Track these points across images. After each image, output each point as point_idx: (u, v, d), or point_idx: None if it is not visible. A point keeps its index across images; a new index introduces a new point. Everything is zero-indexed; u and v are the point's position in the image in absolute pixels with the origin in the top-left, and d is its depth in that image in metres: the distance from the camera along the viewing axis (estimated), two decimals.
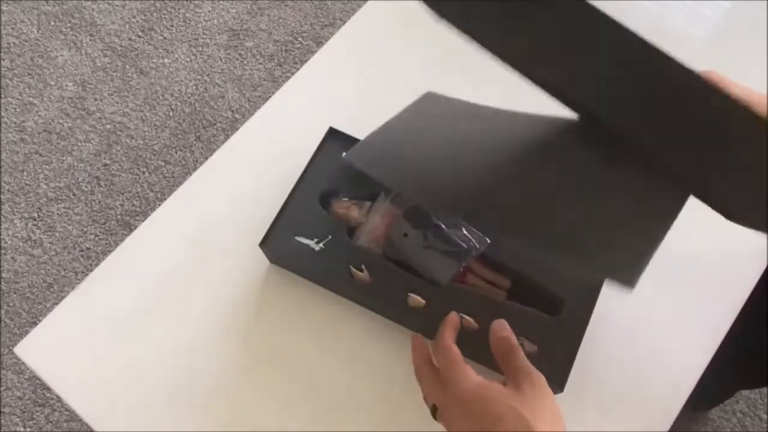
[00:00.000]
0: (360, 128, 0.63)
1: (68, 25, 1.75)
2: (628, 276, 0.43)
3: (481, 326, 0.56)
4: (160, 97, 1.65)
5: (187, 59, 1.70)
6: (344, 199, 0.63)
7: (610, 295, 0.58)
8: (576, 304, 0.58)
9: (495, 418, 0.39)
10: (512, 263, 0.60)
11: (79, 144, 1.59)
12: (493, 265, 0.60)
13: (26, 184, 1.54)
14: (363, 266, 0.59)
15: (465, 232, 0.59)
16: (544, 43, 0.35)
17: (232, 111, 1.63)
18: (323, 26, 1.75)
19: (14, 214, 1.50)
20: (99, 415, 0.58)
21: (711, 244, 0.65)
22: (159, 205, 0.68)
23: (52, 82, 1.67)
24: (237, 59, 1.70)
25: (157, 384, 0.59)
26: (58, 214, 1.51)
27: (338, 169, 0.63)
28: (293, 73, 0.76)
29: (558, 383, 0.54)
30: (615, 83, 0.34)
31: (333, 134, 0.65)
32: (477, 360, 0.56)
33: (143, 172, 1.56)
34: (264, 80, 1.68)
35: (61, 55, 1.70)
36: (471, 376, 0.42)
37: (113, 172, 1.56)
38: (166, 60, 1.70)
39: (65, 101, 1.64)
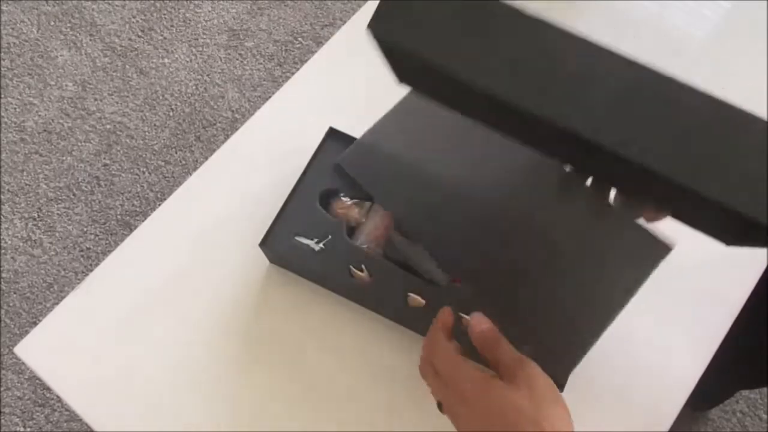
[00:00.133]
0: (360, 128, 0.63)
1: (68, 25, 1.75)
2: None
3: None
4: (160, 97, 1.65)
5: (187, 59, 1.70)
6: (344, 199, 0.63)
7: None
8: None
9: (498, 415, 0.39)
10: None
11: (79, 144, 1.59)
12: None
13: (26, 184, 1.54)
14: (363, 266, 0.59)
15: None
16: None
17: (232, 111, 1.63)
18: (323, 26, 1.75)
19: (14, 214, 1.50)
20: (99, 415, 0.58)
21: (711, 244, 0.65)
22: (159, 205, 0.68)
23: (52, 82, 1.67)
24: (237, 59, 1.70)
25: (157, 384, 0.59)
26: (58, 214, 1.51)
27: (338, 169, 0.63)
28: (293, 73, 0.76)
29: (558, 384, 0.54)
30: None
31: (333, 134, 0.65)
32: (478, 360, 0.56)
33: (143, 172, 1.56)
34: (264, 80, 1.68)
35: (61, 55, 1.70)
36: (470, 373, 0.41)
37: (113, 172, 1.56)
38: (166, 60, 1.70)
39: (65, 101, 1.64)
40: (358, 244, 0.60)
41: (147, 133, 1.60)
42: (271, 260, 0.63)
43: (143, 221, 0.67)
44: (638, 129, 0.30)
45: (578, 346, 0.49)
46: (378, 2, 0.34)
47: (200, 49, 1.72)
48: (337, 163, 0.62)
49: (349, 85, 0.75)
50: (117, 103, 1.64)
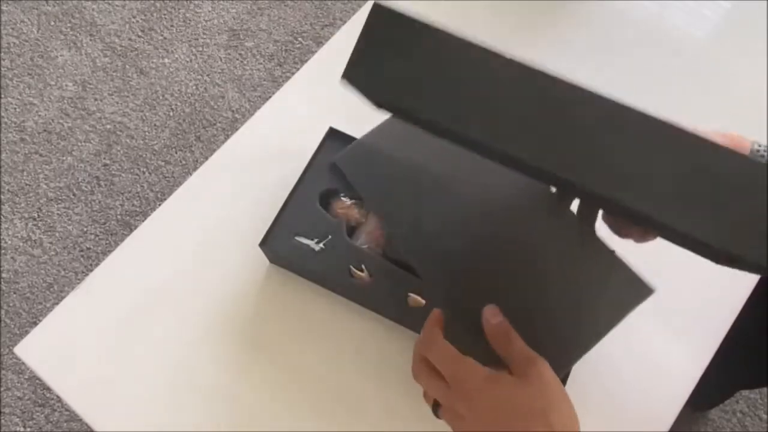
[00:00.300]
0: (360, 128, 0.63)
1: (68, 25, 1.75)
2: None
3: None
4: (160, 97, 1.65)
5: (187, 59, 1.70)
6: (344, 199, 0.63)
7: None
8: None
9: (508, 412, 0.38)
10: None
11: (79, 144, 1.59)
12: None
13: (26, 184, 1.54)
14: (363, 266, 0.59)
15: None
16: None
17: (232, 111, 1.63)
18: (323, 26, 1.75)
19: (14, 214, 1.50)
20: (99, 415, 0.58)
21: None
22: (159, 205, 0.68)
23: (52, 82, 1.67)
24: (237, 59, 1.70)
25: (157, 384, 0.59)
26: (58, 214, 1.51)
27: (335, 169, 0.63)
28: (293, 73, 0.76)
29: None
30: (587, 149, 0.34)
31: (333, 134, 0.65)
32: (476, 359, 0.56)
33: (143, 172, 1.56)
34: (264, 80, 1.68)
35: (61, 55, 1.70)
36: (477, 369, 0.40)
37: (113, 172, 1.56)
38: (166, 60, 1.70)
39: (65, 101, 1.64)
40: (358, 244, 0.60)
41: (147, 133, 1.60)
42: (271, 260, 0.63)
43: (143, 221, 0.67)
44: (620, 169, 0.31)
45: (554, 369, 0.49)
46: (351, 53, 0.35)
47: (200, 49, 1.72)
48: (334, 162, 0.63)
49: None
50: (117, 103, 1.64)
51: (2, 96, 1.64)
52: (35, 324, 0.68)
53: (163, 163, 1.57)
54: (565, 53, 0.76)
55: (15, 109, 1.63)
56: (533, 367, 0.40)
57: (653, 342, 0.61)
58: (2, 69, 1.68)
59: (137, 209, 1.52)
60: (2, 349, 1.36)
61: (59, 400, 1.32)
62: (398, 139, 0.58)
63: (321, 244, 0.60)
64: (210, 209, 0.67)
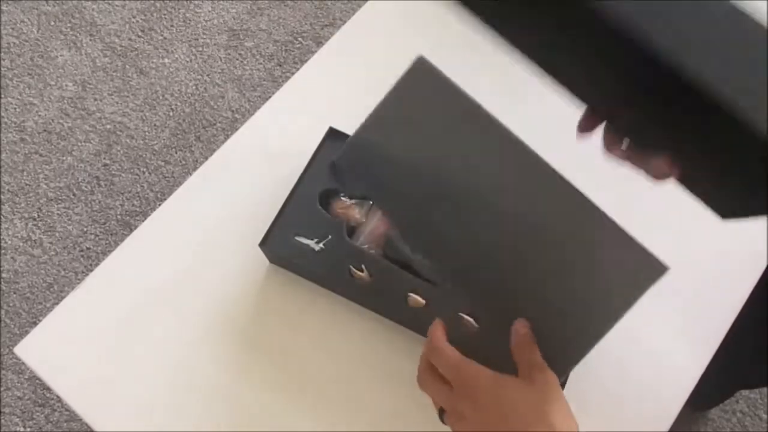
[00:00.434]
0: None
1: (68, 25, 1.75)
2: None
3: (480, 327, 0.56)
4: (160, 97, 1.65)
5: (187, 59, 1.70)
6: (344, 199, 0.63)
7: None
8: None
9: (512, 409, 0.39)
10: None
11: (79, 144, 1.59)
12: None
13: (26, 184, 1.54)
14: (363, 266, 0.59)
15: None
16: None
17: (232, 111, 1.63)
18: (323, 26, 1.75)
19: (14, 214, 1.50)
20: (99, 415, 0.58)
21: (711, 244, 0.65)
22: (159, 205, 0.68)
23: (52, 82, 1.67)
24: (237, 59, 1.70)
25: (157, 384, 0.59)
26: (58, 214, 1.51)
27: (335, 169, 0.63)
28: (293, 73, 0.76)
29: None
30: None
31: (333, 134, 0.65)
32: (477, 361, 0.56)
33: (143, 172, 1.56)
34: (264, 80, 1.68)
35: (61, 55, 1.70)
36: (481, 370, 0.42)
37: (113, 172, 1.56)
38: (166, 60, 1.70)
39: (65, 101, 1.64)
40: (358, 244, 0.60)
41: (147, 133, 1.60)
42: (271, 260, 0.63)
43: (143, 221, 0.67)
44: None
45: (569, 357, 0.49)
46: None
47: (200, 49, 1.72)
48: (333, 162, 0.62)
49: (349, 86, 0.75)
50: (117, 103, 1.64)
51: (2, 96, 1.64)
52: (35, 324, 0.68)
53: (163, 163, 1.57)
54: None
55: (15, 109, 1.63)
56: (540, 373, 0.42)
57: (653, 342, 0.61)
58: (2, 69, 1.68)
59: (137, 209, 1.52)
60: (2, 349, 1.36)
61: (59, 400, 1.32)
62: (392, 129, 0.57)
63: (321, 244, 0.60)
64: (210, 209, 0.67)
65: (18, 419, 1.31)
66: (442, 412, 0.44)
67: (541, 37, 0.37)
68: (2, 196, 1.52)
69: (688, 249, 0.65)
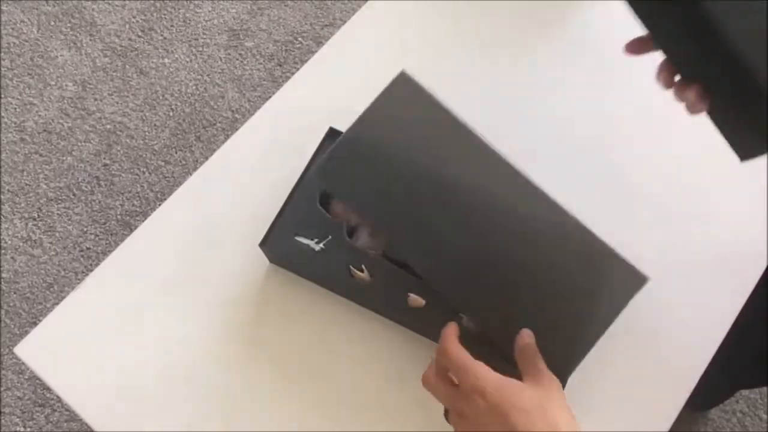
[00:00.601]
0: None
1: (68, 25, 1.75)
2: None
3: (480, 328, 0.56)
4: (160, 97, 1.65)
5: (187, 59, 1.70)
6: None
7: None
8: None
9: (517, 408, 0.40)
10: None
11: (79, 144, 1.59)
12: None
13: (26, 184, 1.54)
14: (363, 266, 0.59)
15: None
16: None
17: (232, 111, 1.63)
18: (323, 26, 1.75)
19: (14, 214, 1.50)
20: (99, 415, 0.58)
21: (711, 244, 0.65)
22: (159, 205, 0.68)
23: (52, 82, 1.67)
24: (237, 59, 1.70)
25: (157, 384, 0.59)
26: (58, 214, 1.51)
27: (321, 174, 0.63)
28: (293, 73, 0.76)
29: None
30: None
31: (333, 134, 0.65)
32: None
33: (143, 172, 1.56)
34: (264, 80, 1.68)
35: (61, 55, 1.70)
36: (489, 372, 0.43)
37: (113, 172, 1.56)
38: (166, 60, 1.70)
39: (65, 101, 1.64)
40: (358, 244, 0.60)
41: (147, 133, 1.60)
42: (271, 260, 0.63)
43: (143, 221, 0.67)
44: None
45: (561, 368, 0.49)
46: None
47: (200, 49, 1.72)
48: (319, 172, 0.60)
49: (349, 86, 0.75)
50: (117, 103, 1.64)
51: (2, 96, 1.64)
52: (35, 324, 0.68)
53: (163, 163, 1.57)
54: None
55: (15, 109, 1.63)
56: (545, 377, 0.43)
57: (653, 342, 0.61)
58: (2, 69, 1.68)
59: (137, 209, 1.52)
60: (2, 349, 1.36)
61: (59, 400, 1.32)
62: (373, 141, 0.56)
63: (321, 244, 0.60)
64: (210, 209, 0.67)
65: (18, 419, 1.31)
66: (447, 413, 0.45)
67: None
68: (2, 196, 1.52)
69: (689, 249, 0.65)
